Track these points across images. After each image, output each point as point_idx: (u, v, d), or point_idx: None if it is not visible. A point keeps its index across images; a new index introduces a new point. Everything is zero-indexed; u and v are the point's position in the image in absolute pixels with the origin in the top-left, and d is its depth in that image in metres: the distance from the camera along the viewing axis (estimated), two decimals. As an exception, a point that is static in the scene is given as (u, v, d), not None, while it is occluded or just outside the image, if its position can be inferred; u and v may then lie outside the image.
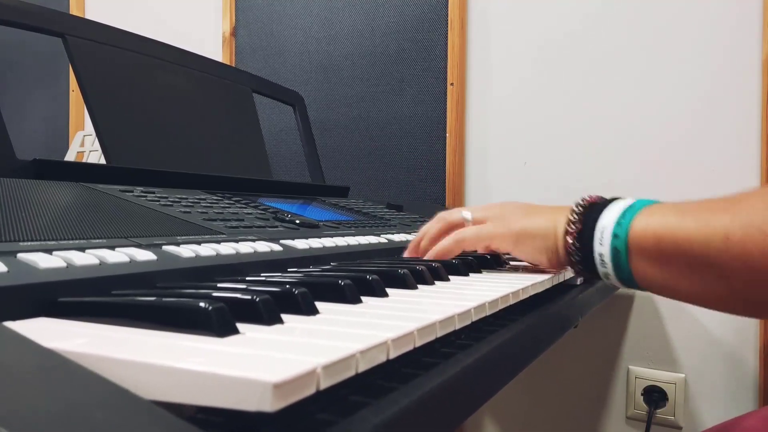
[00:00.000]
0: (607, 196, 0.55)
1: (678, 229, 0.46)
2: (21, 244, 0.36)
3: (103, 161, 0.81)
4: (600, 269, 0.51)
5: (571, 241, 0.53)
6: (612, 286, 0.54)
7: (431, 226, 0.64)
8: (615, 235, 0.49)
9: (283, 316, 0.30)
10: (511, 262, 0.67)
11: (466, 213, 0.62)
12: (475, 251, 0.62)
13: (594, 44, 1.25)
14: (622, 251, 0.49)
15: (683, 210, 0.47)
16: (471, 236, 0.59)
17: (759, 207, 0.43)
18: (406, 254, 0.65)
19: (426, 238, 0.63)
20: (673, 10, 1.18)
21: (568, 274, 0.62)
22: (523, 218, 0.58)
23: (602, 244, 0.50)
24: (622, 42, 1.23)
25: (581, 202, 0.55)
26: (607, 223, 0.50)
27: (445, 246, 0.60)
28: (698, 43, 1.16)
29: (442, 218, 0.64)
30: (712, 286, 0.45)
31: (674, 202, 0.50)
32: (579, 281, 0.63)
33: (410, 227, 0.85)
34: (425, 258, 0.61)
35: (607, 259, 0.50)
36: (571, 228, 0.53)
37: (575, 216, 0.53)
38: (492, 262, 0.63)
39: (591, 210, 0.53)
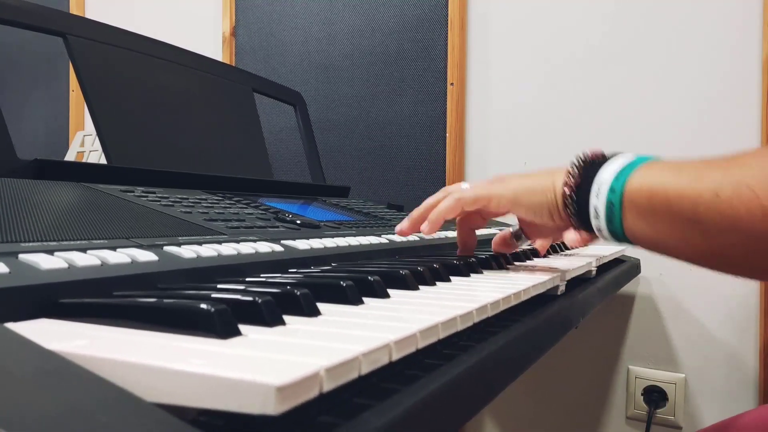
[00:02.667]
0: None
1: (671, 185, 0.46)
2: (22, 244, 0.36)
3: (103, 161, 0.81)
4: (593, 222, 0.52)
5: (568, 192, 0.53)
6: (604, 239, 0.54)
7: (431, 197, 0.64)
8: (612, 190, 0.50)
9: (285, 318, 0.30)
10: (515, 263, 0.67)
11: (464, 184, 0.63)
12: (483, 254, 0.62)
13: (594, 44, 1.25)
14: (616, 205, 0.49)
15: (680, 167, 0.47)
16: (469, 196, 0.60)
17: (753, 165, 0.42)
18: (405, 224, 0.65)
19: (421, 206, 0.64)
20: (673, 10, 1.18)
21: (569, 274, 0.62)
22: (521, 178, 0.59)
23: (598, 198, 0.51)
24: (622, 42, 1.23)
25: (581, 157, 0.55)
26: (605, 177, 0.50)
27: (445, 206, 0.61)
28: (698, 43, 1.16)
29: (443, 189, 0.65)
30: (697, 242, 0.45)
31: (674, 159, 0.50)
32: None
33: (411, 227, 0.85)
34: (426, 222, 0.62)
35: (601, 212, 0.50)
36: (570, 180, 0.54)
37: (574, 169, 0.54)
38: (492, 262, 0.62)
39: (591, 165, 0.53)
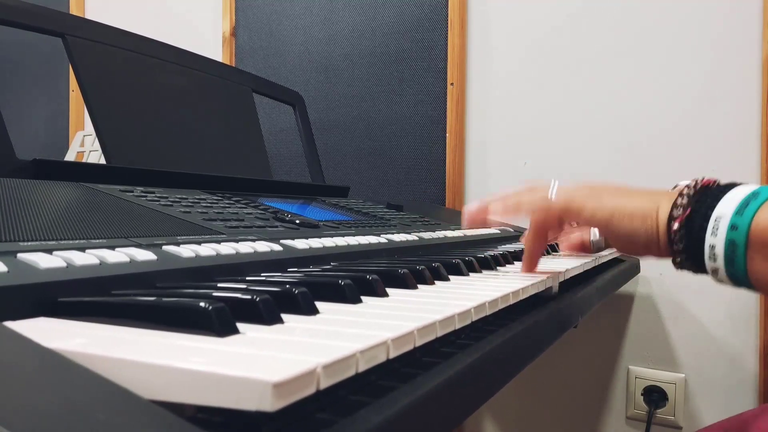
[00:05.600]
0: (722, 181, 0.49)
1: None
2: (21, 244, 0.36)
3: (103, 161, 0.81)
4: (708, 263, 0.45)
5: (676, 227, 0.46)
6: (718, 282, 0.47)
7: (513, 189, 0.58)
8: (733, 226, 0.43)
9: (284, 316, 0.30)
10: (514, 262, 0.67)
11: (553, 184, 0.56)
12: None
13: (594, 44, 1.25)
14: (740, 245, 0.43)
15: None
16: (560, 203, 0.53)
17: None
18: (471, 208, 0.60)
19: (502, 194, 0.58)
20: (673, 11, 1.18)
21: (569, 274, 0.62)
22: (618, 196, 0.51)
23: (716, 235, 0.44)
24: (622, 42, 1.23)
25: (691, 184, 0.47)
26: (724, 210, 0.44)
27: (530, 208, 0.55)
28: (699, 42, 1.16)
29: (527, 186, 0.58)
30: None
31: None
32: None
33: (410, 227, 0.85)
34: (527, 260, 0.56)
35: (720, 251, 0.44)
36: (678, 212, 0.46)
37: (684, 199, 0.47)
38: (492, 261, 0.62)
39: (704, 194, 0.46)
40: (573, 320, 0.60)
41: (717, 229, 0.44)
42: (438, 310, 0.33)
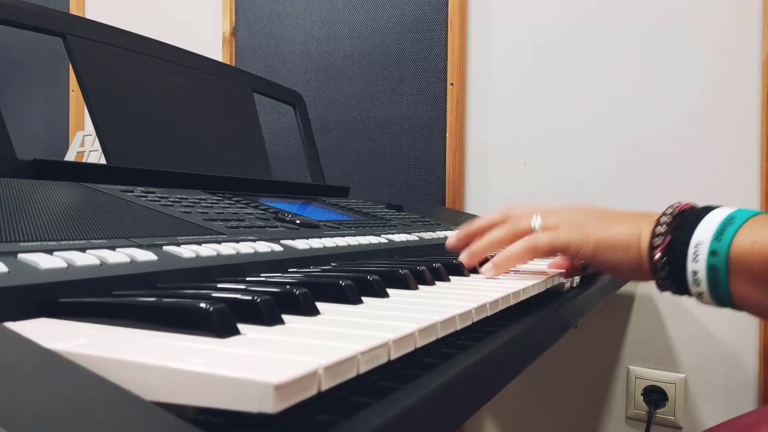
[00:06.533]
0: (698, 204, 0.49)
1: None
2: (21, 244, 0.36)
3: (103, 161, 0.81)
4: (693, 288, 0.46)
5: (658, 256, 0.47)
6: (704, 304, 0.48)
7: (497, 231, 0.57)
8: (713, 252, 0.44)
9: (284, 317, 0.30)
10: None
11: (535, 220, 0.56)
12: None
13: (594, 44, 1.25)
14: (721, 270, 0.43)
15: None
16: (545, 243, 0.54)
17: None
18: (450, 242, 0.60)
19: (485, 240, 0.57)
20: (673, 10, 1.18)
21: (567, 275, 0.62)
22: (601, 226, 0.52)
23: (697, 261, 0.45)
24: (622, 42, 1.23)
25: (669, 211, 0.49)
26: (702, 237, 0.45)
27: (515, 252, 0.55)
28: (699, 42, 1.16)
29: (510, 225, 0.57)
30: None
31: None
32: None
33: (410, 227, 0.85)
34: (491, 266, 0.55)
35: (702, 277, 0.45)
36: (658, 241, 0.47)
37: (663, 227, 0.48)
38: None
39: (682, 220, 0.47)
40: (573, 320, 0.60)
41: (697, 255, 0.45)
42: (439, 311, 0.33)
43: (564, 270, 0.59)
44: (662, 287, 0.50)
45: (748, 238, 0.43)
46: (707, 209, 0.47)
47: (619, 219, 0.52)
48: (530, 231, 0.56)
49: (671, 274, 0.47)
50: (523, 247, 0.55)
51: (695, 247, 0.45)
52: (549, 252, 0.55)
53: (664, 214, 0.49)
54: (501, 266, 0.55)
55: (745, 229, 0.43)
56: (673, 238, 0.47)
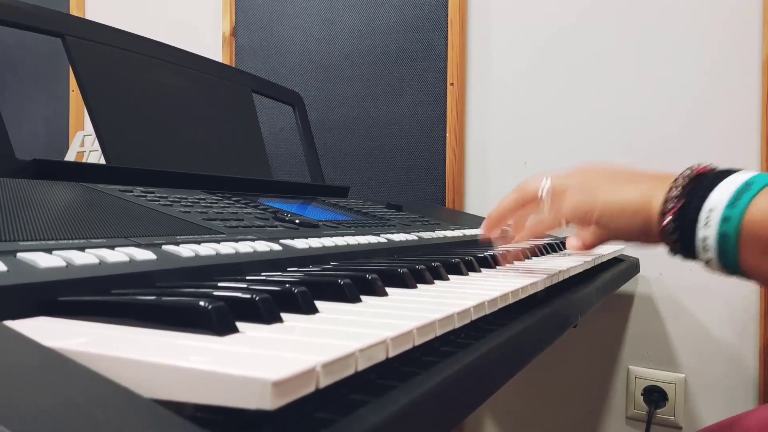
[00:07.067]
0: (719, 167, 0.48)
1: None
2: (21, 243, 0.36)
3: (103, 161, 0.81)
4: (701, 254, 0.45)
5: (669, 218, 0.46)
6: (712, 272, 0.47)
7: (506, 198, 0.58)
8: (725, 218, 0.42)
9: (283, 315, 0.30)
10: (515, 262, 0.67)
11: (545, 182, 0.55)
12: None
13: (595, 44, 1.25)
14: (731, 237, 0.42)
15: None
16: (548, 223, 0.55)
17: None
18: (483, 229, 0.60)
19: (499, 208, 0.58)
20: (673, 10, 1.18)
21: (569, 273, 0.62)
22: (610, 188, 0.51)
23: (708, 226, 0.43)
24: (622, 42, 1.23)
25: (686, 173, 0.47)
26: (716, 202, 0.43)
27: (546, 225, 0.55)
28: (699, 42, 1.16)
29: (519, 188, 0.58)
30: None
31: None
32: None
33: (410, 227, 0.85)
34: (521, 233, 0.58)
35: (712, 243, 0.43)
36: (670, 205, 0.46)
37: (677, 190, 0.46)
38: (491, 261, 0.63)
39: (697, 184, 0.45)
40: (572, 319, 0.60)
41: (709, 220, 0.43)
42: (437, 309, 0.33)
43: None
44: (673, 251, 0.48)
45: (763, 205, 0.41)
46: (726, 173, 0.46)
47: (633, 180, 0.51)
48: (536, 195, 0.56)
49: (681, 239, 0.46)
50: (550, 219, 0.54)
51: (708, 212, 0.44)
52: (554, 226, 0.54)
53: (681, 176, 0.47)
54: (528, 236, 0.58)
55: (763, 196, 0.42)
56: (687, 201, 0.45)
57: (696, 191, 0.45)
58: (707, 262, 0.45)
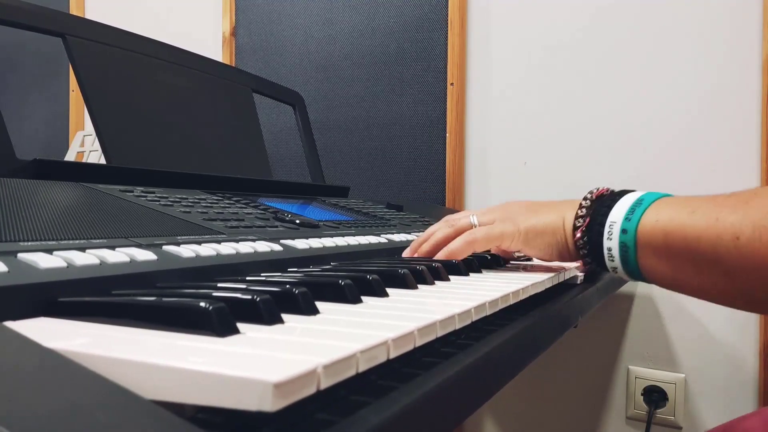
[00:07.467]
0: (616, 189, 0.56)
1: (687, 225, 0.46)
2: (21, 244, 0.36)
3: (103, 161, 0.81)
4: (608, 263, 0.52)
5: (579, 235, 0.54)
6: (620, 278, 0.55)
7: (438, 230, 0.63)
8: (623, 231, 0.50)
9: (284, 316, 0.30)
10: (512, 262, 0.67)
11: (473, 218, 0.62)
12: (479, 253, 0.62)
13: (594, 44, 1.25)
14: (630, 247, 0.50)
15: (693, 206, 0.47)
16: (482, 237, 0.59)
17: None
18: (406, 254, 0.64)
19: (430, 241, 0.62)
20: (673, 10, 1.18)
21: (569, 273, 0.62)
22: (530, 216, 0.58)
23: (611, 239, 0.51)
24: (622, 42, 1.23)
25: (589, 196, 0.55)
26: (615, 217, 0.51)
27: (456, 248, 0.59)
28: (698, 42, 1.16)
29: (449, 222, 0.63)
30: (718, 282, 0.46)
31: (684, 196, 0.50)
32: (579, 280, 0.63)
33: (410, 227, 0.85)
34: (436, 259, 0.60)
35: (616, 253, 0.51)
36: (579, 222, 0.54)
37: (583, 210, 0.54)
38: (492, 261, 0.63)
39: (599, 203, 0.53)
40: (573, 320, 0.60)
41: (611, 233, 0.51)
42: (438, 310, 0.33)
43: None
44: (586, 263, 0.56)
45: (652, 217, 0.49)
46: (621, 193, 0.53)
47: (546, 208, 0.59)
48: (469, 227, 0.61)
49: (591, 252, 0.54)
50: (462, 241, 0.59)
51: (609, 226, 0.51)
52: (486, 245, 0.60)
53: (584, 198, 0.55)
54: (437, 247, 0.61)
55: (651, 209, 0.49)
56: (592, 219, 0.53)
57: (598, 210, 0.53)
58: (614, 270, 0.53)
